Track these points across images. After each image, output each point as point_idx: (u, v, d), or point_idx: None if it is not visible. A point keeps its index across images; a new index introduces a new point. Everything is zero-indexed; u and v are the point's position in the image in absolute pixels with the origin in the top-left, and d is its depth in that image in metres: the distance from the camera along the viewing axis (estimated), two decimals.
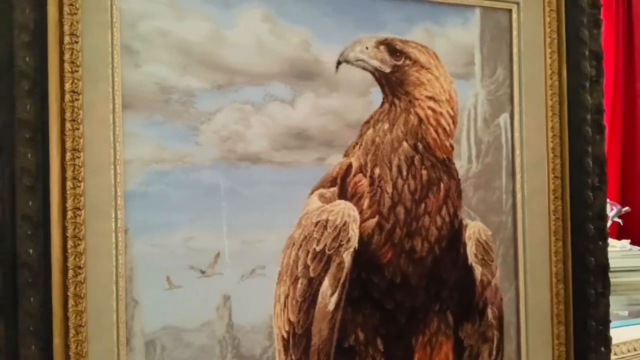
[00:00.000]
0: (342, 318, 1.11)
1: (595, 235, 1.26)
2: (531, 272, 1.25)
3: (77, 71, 0.92)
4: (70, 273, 0.92)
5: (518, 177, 1.26)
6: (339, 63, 1.12)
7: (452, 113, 1.19)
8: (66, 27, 0.92)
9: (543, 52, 1.26)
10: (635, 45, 3.20)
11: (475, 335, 1.22)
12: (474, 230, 1.22)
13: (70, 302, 0.92)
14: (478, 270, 1.22)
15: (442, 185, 1.17)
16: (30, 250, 0.87)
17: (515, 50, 1.25)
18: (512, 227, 1.26)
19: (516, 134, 1.26)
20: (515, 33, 1.25)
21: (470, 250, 1.21)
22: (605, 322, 1.28)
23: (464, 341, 1.21)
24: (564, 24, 1.26)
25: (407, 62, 1.16)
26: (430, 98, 1.17)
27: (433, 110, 1.17)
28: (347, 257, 1.11)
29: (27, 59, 0.87)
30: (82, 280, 0.93)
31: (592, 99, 1.27)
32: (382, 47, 1.15)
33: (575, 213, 1.26)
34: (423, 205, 1.16)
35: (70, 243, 0.92)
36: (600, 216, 1.28)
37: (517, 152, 1.25)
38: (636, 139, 3.20)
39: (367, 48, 1.14)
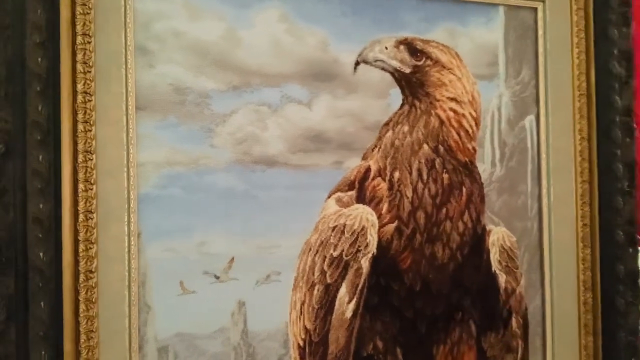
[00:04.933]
0: (360, 326, 1.08)
1: (625, 242, 1.21)
2: (558, 280, 1.21)
3: (89, 72, 0.91)
4: (82, 277, 0.90)
5: (544, 181, 1.21)
6: (357, 63, 1.09)
7: (474, 115, 1.15)
8: (79, 27, 0.90)
9: (570, 51, 1.22)
10: None
11: (499, 345, 1.18)
12: (497, 236, 1.18)
13: (82, 307, 0.90)
14: (502, 278, 1.18)
15: (464, 189, 1.13)
16: (41, 254, 0.86)
17: (541, 50, 1.21)
18: (537, 234, 1.22)
19: (542, 137, 1.21)
20: (541, 32, 1.21)
21: (494, 256, 1.17)
22: (635, 332, 1.23)
23: (487, 351, 1.17)
24: (592, 23, 1.21)
25: (428, 62, 1.13)
26: (452, 99, 1.13)
27: (455, 111, 1.13)
28: (365, 263, 1.08)
29: (39, 59, 0.86)
30: (93, 285, 0.91)
31: (622, 100, 1.22)
32: (402, 47, 1.12)
33: (604, 219, 1.21)
34: (444, 210, 1.12)
35: (81, 247, 0.90)
36: (630, 222, 1.23)
37: (543, 155, 1.21)
38: None
39: (386, 48, 1.11)
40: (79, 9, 0.90)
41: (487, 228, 1.17)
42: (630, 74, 1.24)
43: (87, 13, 0.91)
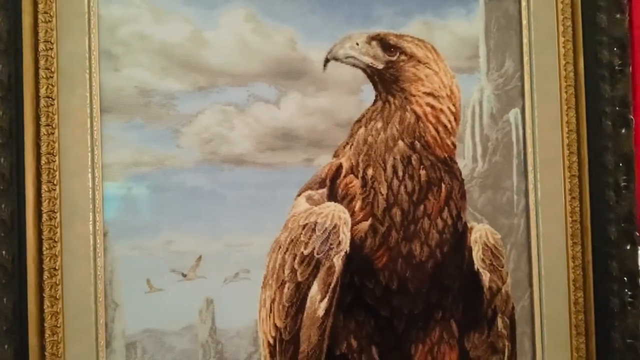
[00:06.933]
0: (333, 324, 1.07)
1: (619, 239, 1.15)
2: (547, 279, 1.16)
3: (52, 77, 0.94)
4: (46, 274, 0.94)
5: (531, 176, 1.17)
6: (327, 61, 1.09)
7: (453, 109, 1.12)
8: (41, 35, 0.94)
9: (556, 41, 1.17)
10: None
11: (484, 346, 1.14)
12: (480, 233, 1.14)
13: (46, 303, 0.94)
14: (486, 277, 1.14)
15: (443, 185, 1.11)
16: (4, 252, 0.89)
17: (525, 40, 1.17)
18: (525, 231, 1.17)
19: (528, 130, 1.17)
20: (525, 22, 1.17)
21: (477, 254, 1.14)
22: (635, 335, 1.16)
23: (470, 352, 1.13)
24: (580, 10, 1.16)
25: (403, 57, 1.11)
26: (429, 94, 1.11)
27: (432, 106, 1.11)
28: (337, 261, 1.07)
29: (1, 67, 0.89)
30: (57, 282, 0.94)
31: (615, 90, 1.16)
32: (374, 43, 1.10)
33: (595, 215, 1.16)
34: (422, 207, 1.10)
35: (45, 245, 0.94)
36: (628, 218, 1.16)
37: (530, 149, 1.17)
38: None
39: (357, 44, 1.10)
40: (41, 17, 0.94)
41: (469, 225, 1.14)
42: (626, 62, 1.18)
43: (49, 21, 0.94)
